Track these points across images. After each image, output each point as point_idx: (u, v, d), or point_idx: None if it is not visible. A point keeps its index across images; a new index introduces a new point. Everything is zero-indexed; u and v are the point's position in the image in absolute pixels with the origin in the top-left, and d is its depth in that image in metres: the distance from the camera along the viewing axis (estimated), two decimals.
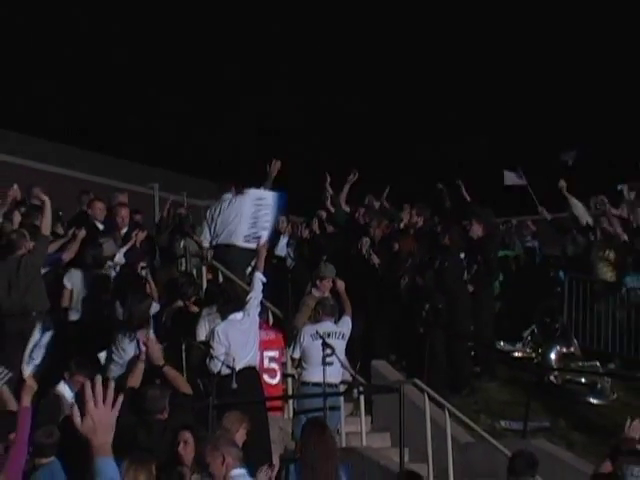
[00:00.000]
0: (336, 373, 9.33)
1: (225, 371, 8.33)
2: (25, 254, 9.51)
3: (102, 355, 9.03)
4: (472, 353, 12.95)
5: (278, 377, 9.70)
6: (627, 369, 13.17)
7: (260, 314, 9.51)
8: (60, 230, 12.24)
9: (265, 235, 10.73)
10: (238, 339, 8.61)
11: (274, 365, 9.63)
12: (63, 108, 30.52)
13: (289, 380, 10.16)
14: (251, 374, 8.64)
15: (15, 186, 11.57)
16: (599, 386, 12.05)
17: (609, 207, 15.00)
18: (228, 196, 11.07)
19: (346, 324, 9.78)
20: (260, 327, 9.39)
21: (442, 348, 12.08)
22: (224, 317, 8.84)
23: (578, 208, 14.20)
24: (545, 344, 13.40)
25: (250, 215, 10.71)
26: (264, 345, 9.42)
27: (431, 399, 9.80)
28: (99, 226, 11.52)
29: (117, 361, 8.40)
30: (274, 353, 9.71)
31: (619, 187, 19.63)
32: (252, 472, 5.79)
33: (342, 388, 9.58)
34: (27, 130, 23.81)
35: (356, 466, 8.20)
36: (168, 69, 33.70)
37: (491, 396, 12.26)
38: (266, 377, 9.30)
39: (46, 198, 9.63)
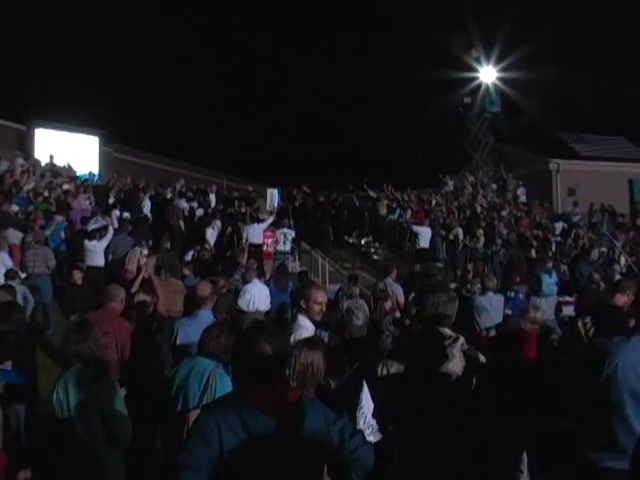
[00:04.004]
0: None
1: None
2: None
3: None
4: None
5: (271, 248, 21.17)
6: None
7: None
8: None
9: None
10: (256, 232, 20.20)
11: (269, 242, 21.10)
12: None
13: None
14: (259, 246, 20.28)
15: None
16: None
17: None
18: None
19: None
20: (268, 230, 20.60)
21: None
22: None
23: None
24: None
25: None
26: (267, 234, 20.98)
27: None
28: None
29: None
30: (270, 240, 20.94)
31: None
32: None
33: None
34: None
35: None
36: None
37: None
38: (264, 247, 20.70)
39: None
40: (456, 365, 4.56)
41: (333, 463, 3.70)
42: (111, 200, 21.96)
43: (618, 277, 15.98)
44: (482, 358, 4.72)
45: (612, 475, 3.68)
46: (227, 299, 11.89)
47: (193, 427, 3.53)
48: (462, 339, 4.76)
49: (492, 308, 11.97)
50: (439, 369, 4.55)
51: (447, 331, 4.68)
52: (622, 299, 8.00)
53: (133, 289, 10.24)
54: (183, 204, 22.87)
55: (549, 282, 16.21)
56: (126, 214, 20.12)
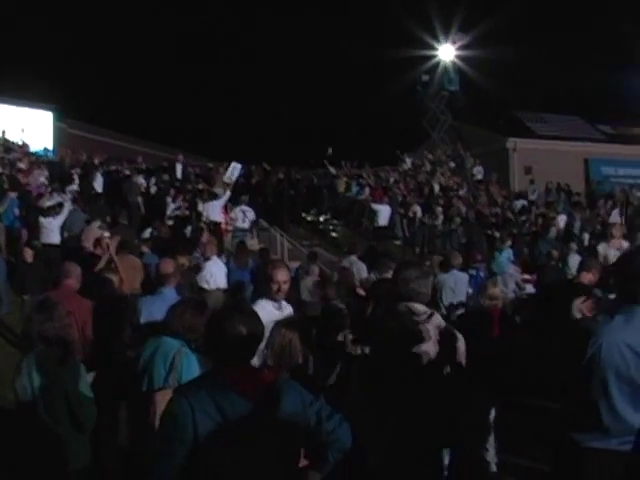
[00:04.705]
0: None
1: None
2: None
3: None
4: None
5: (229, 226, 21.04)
6: None
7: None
8: None
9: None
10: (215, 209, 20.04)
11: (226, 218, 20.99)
12: None
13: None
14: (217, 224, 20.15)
15: None
16: None
17: None
18: None
19: None
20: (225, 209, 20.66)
21: None
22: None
23: None
24: None
25: None
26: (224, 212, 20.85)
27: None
28: None
29: None
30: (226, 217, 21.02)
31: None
32: None
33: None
34: None
35: None
36: None
37: None
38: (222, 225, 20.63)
39: None
40: (429, 343, 4.49)
41: (310, 445, 3.60)
42: (66, 176, 21.55)
43: (574, 254, 16.10)
44: (459, 336, 4.66)
45: (596, 455, 3.65)
46: (189, 277, 11.74)
47: (166, 411, 3.41)
48: (437, 316, 4.70)
49: (456, 286, 11.95)
50: (408, 347, 4.48)
51: (420, 307, 4.61)
52: (588, 277, 8.03)
53: (97, 267, 10.06)
54: (141, 180, 22.60)
55: (501, 259, 16.34)
56: (77, 190, 19.84)
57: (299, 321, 5.39)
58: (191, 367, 5.17)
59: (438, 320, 4.63)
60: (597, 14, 35.46)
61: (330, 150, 27.29)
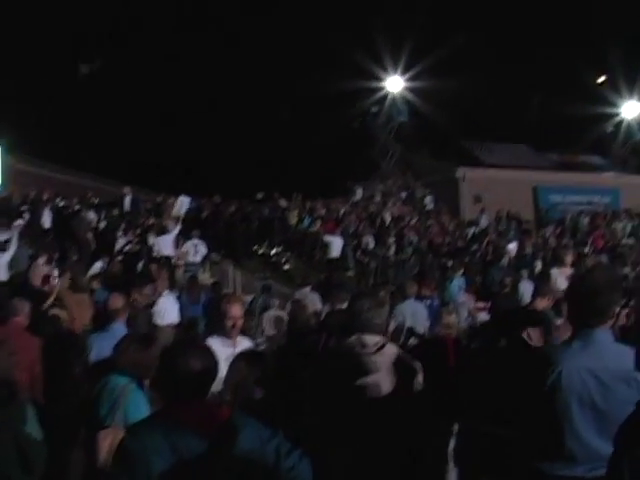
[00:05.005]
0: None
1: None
2: None
3: None
4: None
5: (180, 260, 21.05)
6: None
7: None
8: None
9: None
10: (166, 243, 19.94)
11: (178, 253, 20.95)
12: None
13: None
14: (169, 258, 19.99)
15: None
16: None
17: None
18: None
19: None
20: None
21: None
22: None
23: None
24: None
25: None
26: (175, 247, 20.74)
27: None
28: None
29: None
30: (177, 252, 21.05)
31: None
32: None
33: None
34: None
35: None
36: None
37: None
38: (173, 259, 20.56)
39: None
40: (377, 375, 4.41)
41: None
42: (14, 212, 21.21)
43: (525, 282, 16.19)
44: (417, 365, 4.58)
45: None
46: (146, 314, 11.54)
47: (117, 451, 3.28)
48: (391, 346, 4.62)
49: (414, 316, 11.90)
50: (356, 382, 4.40)
51: (371, 339, 4.53)
52: (542, 303, 8.03)
53: (46, 304, 9.84)
54: (91, 216, 22.32)
55: (453, 288, 16.39)
56: (22, 225, 19.48)
57: (257, 355, 5.28)
58: (138, 405, 5.00)
59: (391, 350, 4.55)
60: (543, 44, 35.95)
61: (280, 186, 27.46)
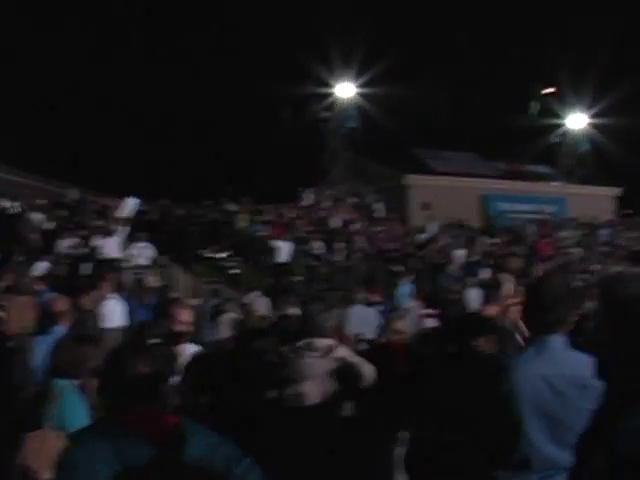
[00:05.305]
0: None
1: None
2: None
3: None
4: None
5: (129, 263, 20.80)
6: None
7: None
8: None
9: None
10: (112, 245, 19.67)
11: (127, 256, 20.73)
12: None
13: None
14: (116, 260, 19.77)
15: None
16: None
17: None
18: None
19: None
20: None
21: None
22: None
23: None
24: None
25: None
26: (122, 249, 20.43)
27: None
28: None
29: None
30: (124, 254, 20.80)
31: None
32: None
33: None
34: None
35: None
36: None
37: None
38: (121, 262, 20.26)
39: None
40: (316, 379, 4.38)
41: None
42: None
43: (473, 288, 16.30)
44: (370, 368, 4.55)
45: None
46: (93, 317, 11.34)
47: (61, 460, 3.14)
48: (341, 349, 4.60)
49: (363, 321, 11.85)
50: (291, 387, 4.36)
51: (320, 342, 4.50)
52: (492, 310, 8.01)
53: None
54: (37, 217, 21.93)
55: (401, 294, 16.41)
56: None
57: (209, 357, 5.18)
58: (73, 408, 4.83)
59: (342, 353, 4.53)
60: (493, 56, 36.41)
61: (231, 189, 27.21)
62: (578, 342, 3.72)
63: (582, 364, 3.60)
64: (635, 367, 2.32)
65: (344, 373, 4.48)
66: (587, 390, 3.55)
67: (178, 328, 5.81)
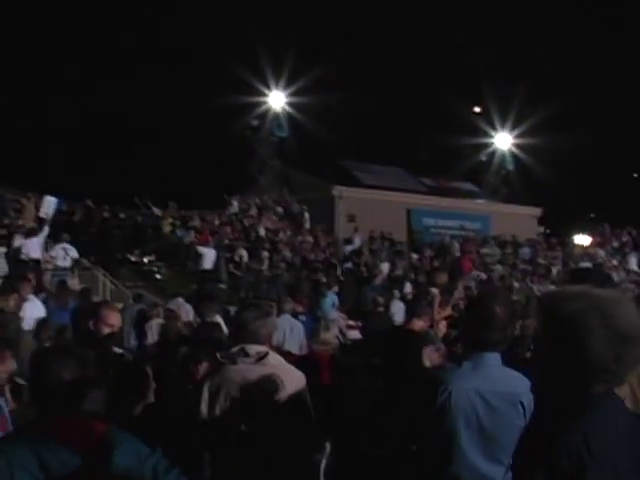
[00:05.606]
0: None
1: None
2: None
3: None
4: None
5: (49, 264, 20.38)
6: None
7: None
8: None
9: None
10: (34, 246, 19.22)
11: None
12: None
13: None
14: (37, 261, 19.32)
15: None
16: None
17: None
18: None
19: None
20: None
21: None
22: None
23: None
24: None
25: None
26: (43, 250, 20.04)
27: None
28: None
29: None
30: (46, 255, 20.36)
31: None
32: None
33: None
34: None
35: None
36: None
37: None
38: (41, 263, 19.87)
39: None
40: (254, 386, 4.36)
41: None
42: None
43: (397, 301, 16.43)
44: (296, 375, 4.56)
45: None
46: (16, 320, 11.00)
47: None
48: (274, 356, 4.60)
49: (292, 332, 11.80)
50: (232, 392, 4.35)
51: (253, 348, 4.50)
52: (419, 324, 8.03)
53: None
54: None
55: (325, 304, 16.45)
56: None
57: (134, 363, 5.08)
58: None
59: (274, 360, 4.53)
60: (423, 74, 36.98)
61: (147, 196, 26.94)
62: (514, 359, 3.75)
63: (515, 382, 3.64)
64: (572, 383, 2.33)
65: (276, 379, 4.47)
66: (519, 407, 3.59)
67: (106, 331, 5.64)
